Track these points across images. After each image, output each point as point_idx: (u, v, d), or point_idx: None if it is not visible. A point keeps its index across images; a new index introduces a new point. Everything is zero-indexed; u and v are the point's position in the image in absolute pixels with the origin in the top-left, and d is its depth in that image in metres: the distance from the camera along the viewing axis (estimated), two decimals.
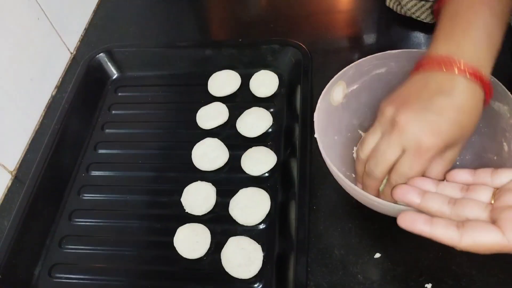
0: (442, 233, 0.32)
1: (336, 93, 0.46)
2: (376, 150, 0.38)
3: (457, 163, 0.44)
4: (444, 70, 0.36)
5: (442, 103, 0.35)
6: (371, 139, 0.39)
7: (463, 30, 0.37)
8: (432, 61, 0.37)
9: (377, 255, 0.44)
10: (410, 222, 0.33)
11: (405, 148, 0.36)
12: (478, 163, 0.44)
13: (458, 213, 0.33)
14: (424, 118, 0.35)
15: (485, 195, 0.34)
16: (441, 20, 0.39)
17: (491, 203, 0.33)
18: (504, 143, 0.41)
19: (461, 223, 0.32)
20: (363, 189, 0.40)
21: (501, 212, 0.31)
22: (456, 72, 0.35)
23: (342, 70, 0.45)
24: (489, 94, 0.37)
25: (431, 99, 0.35)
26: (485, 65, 0.36)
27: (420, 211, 0.34)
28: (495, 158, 0.43)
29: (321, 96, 0.44)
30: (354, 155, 0.48)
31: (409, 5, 0.60)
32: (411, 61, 0.40)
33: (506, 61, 0.52)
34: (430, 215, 0.33)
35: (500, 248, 0.30)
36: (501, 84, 0.41)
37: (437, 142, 0.35)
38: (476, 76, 0.35)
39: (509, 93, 0.40)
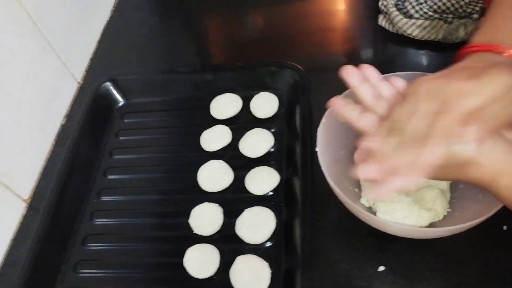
0: (348, 114, 0.39)
1: None
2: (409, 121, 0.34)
3: None
4: (494, 50, 0.35)
5: (496, 71, 0.32)
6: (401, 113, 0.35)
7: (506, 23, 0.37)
8: (479, 45, 0.37)
9: (381, 268, 0.46)
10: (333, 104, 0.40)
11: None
12: None
13: (374, 108, 0.38)
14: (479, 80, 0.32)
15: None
16: (487, 14, 0.40)
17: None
18: None
19: (362, 114, 0.38)
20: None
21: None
22: (505, 55, 0.34)
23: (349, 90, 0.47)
24: None
25: (484, 70, 0.32)
26: None
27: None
28: None
29: (327, 112, 0.46)
30: None
31: (400, 24, 0.63)
32: None
33: None
34: (359, 97, 0.39)
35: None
36: None
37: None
38: None
39: None
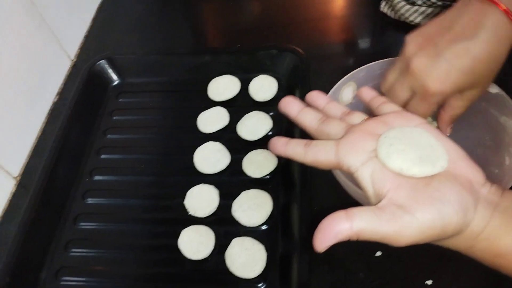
0: (292, 151, 0.34)
1: (346, 94, 0.47)
2: (391, 88, 0.40)
3: None
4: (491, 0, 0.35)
5: (459, 50, 0.36)
6: (391, 76, 0.41)
7: None
8: None
9: (378, 253, 0.45)
10: (272, 146, 0.35)
11: (414, 91, 0.38)
12: None
13: (322, 129, 0.34)
14: (436, 65, 0.36)
15: (357, 119, 0.34)
16: None
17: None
18: (506, 157, 0.42)
19: (309, 142, 0.33)
20: None
21: (345, 134, 0.33)
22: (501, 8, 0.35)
23: (353, 72, 0.46)
24: None
25: (450, 45, 0.36)
26: None
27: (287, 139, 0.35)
28: (496, 171, 0.43)
29: (328, 95, 0.45)
30: None
31: (402, 10, 0.62)
32: None
33: None
34: (303, 127, 0.36)
35: (331, 165, 0.32)
36: (510, 99, 0.42)
37: (442, 89, 0.36)
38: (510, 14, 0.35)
39: None
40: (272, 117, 0.57)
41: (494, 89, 0.43)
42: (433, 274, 0.43)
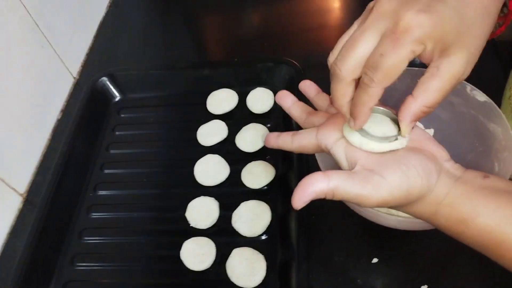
0: (282, 141, 0.38)
1: None
2: (346, 42, 0.30)
3: None
4: None
5: None
6: (362, 46, 0.29)
7: None
8: None
9: (375, 260, 0.46)
10: (266, 140, 0.40)
11: (383, 33, 0.28)
12: None
13: (309, 120, 0.39)
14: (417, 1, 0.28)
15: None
16: None
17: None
18: (495, 163, 0.43)
19: (296, 132, 0.38)
20: (331, 103, 0.34)
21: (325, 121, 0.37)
22: None
23: None
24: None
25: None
26: None
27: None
28: None
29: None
30: None
31: None
32: (414, 79, 0.41)
33: (499, 79, 0.54)
34: (293, 118, 0.41)
35: (314, 148, 0.36)
36: (497, 107, 0.43)
37: (420, 20, 0.27)
38: None
39: (503, 116, 0.42)
40: (270, 128, 0.59)
41: (482, 98, 0.44)
42: (429, 279, 0.44)
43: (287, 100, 0.41)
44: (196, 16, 0.81)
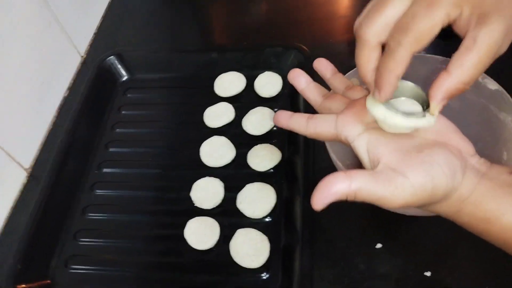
0: (295, 123, 0.35)
1: None
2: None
3: None
4: None
5: None
6: (390, 7, 0.28)
7: None
8: None
9: (378, 245, 0.46)
10: (276, 119, 0.36)
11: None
12: None
13: (325, 105, 0.36)
14: None
15: (358, 96, 0.35)
16: None
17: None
18: (505, 152, 0.43)
19: (311, 116, 0.34)
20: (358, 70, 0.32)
21: (345, 108, 0.33)
22: None
23: (355, 69, 0.47)
24: None
25: None
26: None
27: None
28: None
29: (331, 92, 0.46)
30: None
31: None
32: (425, 65, 0.41)
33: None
34: (308, 100, 0.37)
35: (332, 137, 0.33)
36: (508, 96, 0.42)
37: None
38: None
39: None
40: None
41: (494, 86, 0.44)
42: (432, 266, 0.44)
43: (300, 80, 0.38)
44: (204, 2, 0.80)
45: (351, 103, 0.34)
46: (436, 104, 0.29)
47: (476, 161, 0.31)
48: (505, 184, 0.29)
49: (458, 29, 0.28)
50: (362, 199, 0.29)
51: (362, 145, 0.31)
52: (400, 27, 0.27)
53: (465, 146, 0.31)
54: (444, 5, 0.26)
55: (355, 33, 0.30)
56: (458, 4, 0.26)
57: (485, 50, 0.27)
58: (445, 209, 0.31)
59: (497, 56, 0.28)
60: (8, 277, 0.47)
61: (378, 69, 0.29)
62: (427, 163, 0.29)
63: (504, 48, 0.28)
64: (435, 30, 0.27)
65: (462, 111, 0.48)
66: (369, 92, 0.32)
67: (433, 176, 0.28)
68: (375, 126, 0.32)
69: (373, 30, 0.28)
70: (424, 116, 0.30)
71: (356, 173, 0.29)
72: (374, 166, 0.30)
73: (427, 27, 0.26)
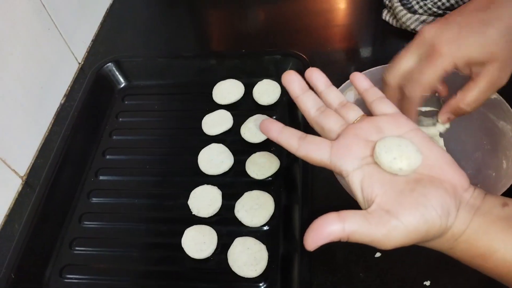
0: (286, 141, 0.34)
1: (348, 98, 0.48)
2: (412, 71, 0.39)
3: None
4: None
5: (472, 18, 0.37)
6: (405, 62, 0.39)
7: None
8: None
9: (378, 254, 0.46)
10: (265, 128, 0.35)
11: (422, 55, 0.38)
12: (478, 178, 0.45)
13: (319, 121, 0.35)
14: (448, 26, 0.37)
15: (352, 116, 0.35)
16: None
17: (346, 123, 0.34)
18: (504, 161, 0.43)
19: (304, 136, 0.33)
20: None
21: (340, 136, 0.33)
22: None
23: (348, 81, 0.47)
24: None
25: (467, 18, 0.38)
26: None
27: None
28: (493, 174, 0.44)
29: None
30: None
31: (404, 19, 0.63)
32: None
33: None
34: (301, 110, 0.36)
35: (324, 165, 0.33)
36: (507, 104, 0.43)
37: (452, 50, 0.36)
38: None
39: None
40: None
41: (493, 95, 0.44)
42: (431, 275, 0.44)
43: (294, 86, 0.36)
44: (202, 9, 0.80)
45: (345, 131, 0.33)
46: (442, 114, 0.41)
47: (470, 195, 0.30)
48: (498, 218, 0.29)
49: (462, 71, 0.38)
50: (355, 241, 0.29)
51: (356, 182, 0.31)
52: (411, 79, 0.39)
53: (460, 180, 0.31)
54: (440, 65, 0.37)
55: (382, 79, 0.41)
56: (451, 64, 0.37)
57: (484, 81, 0.37)
58: (438, 246, 0.31)
59: (499, 85, 0.38)
60: (1, 287, 0.46)
61: (402, 107, 0.39)
62: (421, 205, 0.29)
63: (505, 78, 0.38)
64: (436, 80, 0.38)
65: (462, 120, 0.48)
66: (364, 112, 0.35)
67: (427, 218, 0.28)
68: (370, 162, 0.32)
69: (391, 76, 0.40)
70: (434, 123, 0.40)
71: (349, 215, 0.29)
72: (367, 205, 0.30)
73: (429, 79, 0.38)
